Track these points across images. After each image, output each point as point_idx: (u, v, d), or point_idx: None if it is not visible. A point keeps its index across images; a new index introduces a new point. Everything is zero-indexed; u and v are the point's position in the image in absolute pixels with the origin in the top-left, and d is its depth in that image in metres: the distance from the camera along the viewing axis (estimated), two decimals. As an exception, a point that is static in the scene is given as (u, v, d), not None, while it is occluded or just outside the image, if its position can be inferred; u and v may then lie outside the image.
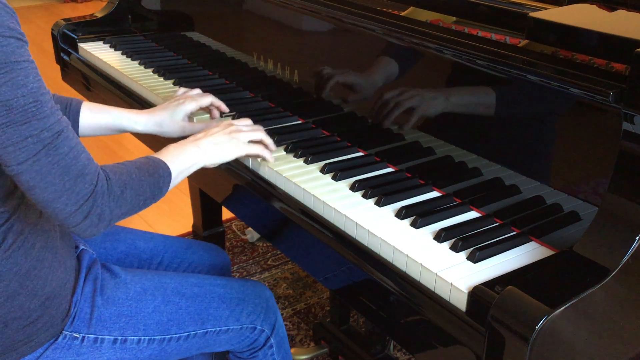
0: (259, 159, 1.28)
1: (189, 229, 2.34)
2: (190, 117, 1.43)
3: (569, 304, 0.81)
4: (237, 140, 1.23)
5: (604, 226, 0.89)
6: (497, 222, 1.08)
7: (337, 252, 1.08)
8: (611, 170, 0.90)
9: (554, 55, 1.04)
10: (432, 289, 0.95)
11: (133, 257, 1.40)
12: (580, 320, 0.84)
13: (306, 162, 1.28)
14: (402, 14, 1.30)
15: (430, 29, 1.20)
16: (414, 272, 0.98)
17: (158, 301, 1.19)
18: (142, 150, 2.92)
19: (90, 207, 0.98)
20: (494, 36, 1.15)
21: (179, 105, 1.37)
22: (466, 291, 0.90)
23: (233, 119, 1.49)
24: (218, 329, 1.24)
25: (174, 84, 1.70)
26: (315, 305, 2.19)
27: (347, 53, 1.36)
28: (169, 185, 1.12)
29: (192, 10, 1.86)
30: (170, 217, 2.76)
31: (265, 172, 1.28)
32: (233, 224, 2.66)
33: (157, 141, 1.45)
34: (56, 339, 1.10)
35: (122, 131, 1.38)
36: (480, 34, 1.16)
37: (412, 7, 1.30)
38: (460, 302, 0.90)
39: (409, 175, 1.24)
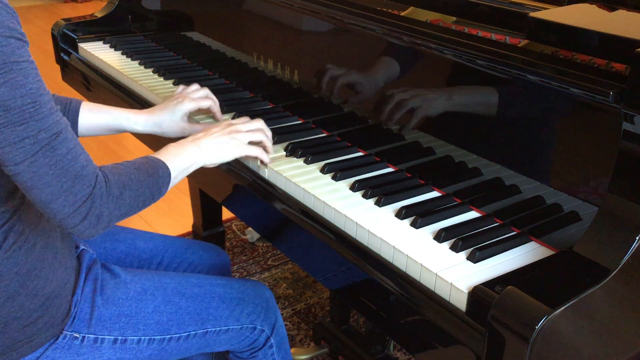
0: (258, 162, 1.28)
1: (189, 229, 2.34)
2: (190, 116, 1.42)
3: (569, 304, 0.81)
4: (237, 140, 1.23)
5: (604, 226, 0.89)
6: (497, 222, 1.08)
7: (337, 252, 1.08)
8: (611, 170, 0.90)
9: (554, 55, 1.04)
10: (432, 289, 0.95)
11: (133, 257, 1.40)
12: (580, 320, 0.84)
13: (306, 162, 1.28)
14: (402, 14, 1.30)
15: (430, 29, 1.20)
16: (414, 272, 0.98)
17: (158, 301, 1.19)
18: (142, 150, 2.92)
19: (89, 208, 0.98)
20: (494, 36, 1.15)
21: (178, 105, 1.37)
22: (466, 291, 0.90)
23: (233, 118, 1.49)
24: (218, 328, 1.24)
25: (174, 84, 1.70)
26: (315, 305, 2.19)
27: (347, 53, 1.36)
28: (168, 186, 1.12)
29: (192, 10, 1.86)
30: (170, 217, 2.76)
31: (265, 172, 1.28)
32: (233, 224, 2.66)
33: (156, 141, 1.45)
34: (56, 339, 1.10)
35: (122, 131, 1.38)
36: (480, 34, 1.16)
37: (412, 7, 1.31)
38: (460, 302, 0.90)
39: (409, 175, 1.24)
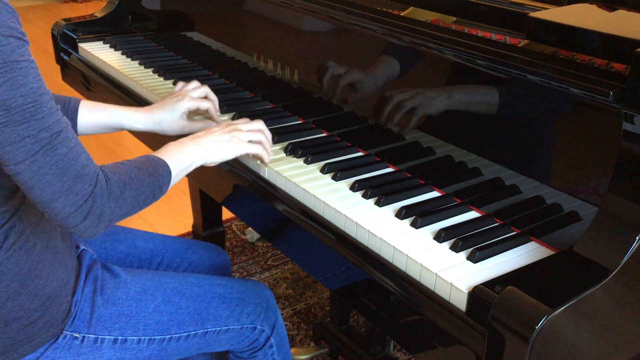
0: (258, 162, 1.28)
1: (189, 229, 2.34)
2: (190, 115, 1.42)
3: (569, 304, 0.81)
4: (237, 139, 1.23)
5: (604, 226, 0.89)
6: (497, 222, 1.08)
7: (337, 252, 1.08)
8: (611, 170, 0.90)
9: (554, 55, 1.04)
10: (432, 289, 0.95)
11: (133, 257, 1.40)
12: (580, 320, 0.84)
13: (306, 162, 1.28)
14: (402, 14, 1.30)
15: (430, 29, 1.20)
16: (414, 272, 0.98)
17: (158, 301, 1.19)
18: (141, 150, 2.92)
19: (90, 207, 0.98)
20: (494, 36, 1.15)
21: (178, 102, 1.36)
22: (466, 291, 0.90)
23: (233, 119, 1.49)
24: (218, 328, 1.24)
25: (174, 84, 1.70)
26: (315, 305, 2.19)
27: (347, 53, 1.36)
28: (169, 184, 1.12)
29: (192, 10, 1.86)
30: (170, 217, 2.76)
31: (265, 172, 1.28)
32: (233, 224, 2.66)
33: (156, 140, 1.45)
34: (56, 339, 1.10)
35: (121, 129, 1.38)
36: (480, 34, 1.16)
37: (412, 7, 1.30)
38: (460, 302, 0.90)
39: (409, 175, 1.24)
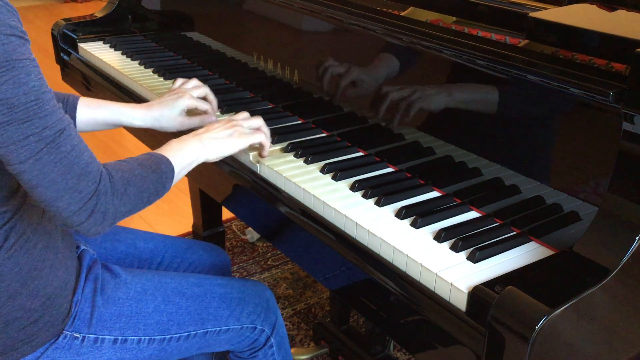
0: (255, 160, 1.28)
1: (189, 229, 2.34)
2: (189, 112, 1.42)
3: (569, 304, 0.81)
4: (238, 133, 1.23)
5: (604, 226, 0.89)
6: (497, 222, 1.08)
7: (337, 252, 1.08)
8: (611, 170, 0.90)
9: (554, 55, 1.04)
10: (432, 289, 0.95)
11: (133, 257, 1.40)
12: (580, 320, 0.84)
13: (306, 162, 1.28)
14: (402, 14, 1.30)
15: (430, 29, 1.20)
16: (414, 272, 0.98)
17: (158, 301, 1.19)
18: (142, 150, 2.91)
19: (94, 205, 0.98)
20: (494, 36, 1.15)
21: (177, 100, 1.37)
22: (466, 291, 0.90)
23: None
24: (218, 328, 1.24)
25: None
26: (315, 305, 2.19)
27: (347, 53, 1.36)
28: (172, 181, 1.12)
29: (192, 10, 1.86)
30: (170, 217, 2.76)
31: (265, 172, 1.28)
32: (233, 224, 2.66)
33: (156, 140, 1.45)
34: (57, 339, 1.10)
35: (120, 126, 1.38)
36: (480, 34, 1.16)
37: (412, 7, 1.30)
38: (460, 302, 0.90)
39: (409, 175, 1.24)
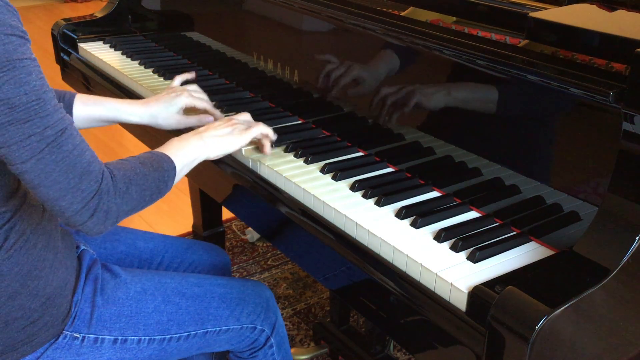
0: (256, 159, 1.28)
1: (189, 229, 2.34)
2: (186, 111, 1.42)
3: (569, 304, 0.81)
4: (238, 130, 1.24)
5: (604, 226, 0.89)
6: (497, 222, 1.08)
7: (337, 252, 1.08)
8: (611, 170, 0.90)
9: (554, 55, 1.04)
10: (432, 289, 0.95)
11: (133, 257, 1.40)
12: (580, 320, 0.84)
13: (306, 162, 1.28)
14: (402, 14, 1.30)
15: (430, 29, 1.20)
16: (414, 272, 0.98)
17: (158, 301, 1.19)
18: (142, 149, 2.91)
19: (97, 204, 0.98)
20: (494, 36, 1.15)
21: (175, 98, 1.37)
22: (466, 291, 0.90)
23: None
24: (218, 328, 1.24)
25: (174, 84, 1.70)
26: (315, 305, 2.19)
27: (347, 53, 1.36)
28: (174, 179, 1.12)
29: (192, 10, 1.86)
30: (170, 217, 2.76)
31: (265, 172, 1.28)
32: (233, 224, 2.66)
33: (156, 140, 1.45)
34: (56, 339, 1.10)
35: (116, 122, 1.39)
36: (480, 34, 1.16)
37: (412, 7, 1.30)
38: (460, 302, 0.90)
39: (409, 175, 1.24)
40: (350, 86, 1.35)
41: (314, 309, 2.17)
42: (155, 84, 1.69)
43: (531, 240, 1.02)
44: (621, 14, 1.10)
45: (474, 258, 0.97)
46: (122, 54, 1.91)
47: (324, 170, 1.25)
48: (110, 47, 1.97)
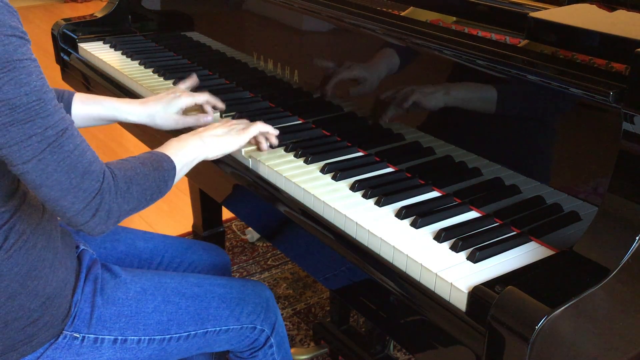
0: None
1: (189, 229, 2.34)
2: (185, 112, 1.42)
3: (569, 304, 0.81)
4: (236, 131, 1.24)
5: (604, 226, 0.89)
6: (497, 222, 1.08)
7: (337, 252, 1.08)
8: (611, 170, 0.90)
9: (554, 55, 1.04)
10: (432, 289, 0.95)
11: (133, 257, 1.40)
12: (580, 320, 0.84)
13: (306, 162, 1.28)
14: (402, 14, 1.30)
15: (430, 29, 1.20)
16: (414, 272, 0.98)
17: (158, 301, 1.19)
18: (142, 150, 2.91)
19: (99, 203, 0.98)
20: (494, 36, 1.15)
21: (175, 99, 1.37)
22: (466, 291, 0.90)
23: (233, 118, 1.49)
24: (218, 328, 1.24)
25: (174, 84, 1.70)
26: (315, 305, 2.19)
27: (347, 53, 1.36)
28: (174, 179, 1.12)
29: (192, 10, 1.86)
30: (170, 217, 2.75)
31: (265, 172, 1.28)
32: (233, 224, 2.66)
33: (156, 139, 1.45)
34: (56, 339, 1.10)
35: (115, 121, 1.39)
36: (480, 34, 1.16)
37: (412, 7, 1.31)
38: (460, 302, 0.90)
39: (409, 175, 1.24)
40: (351, 86, 1.35)
41: (314, 309, 2.17)
42: (155, 84, 1.69)
43: (531, 240, 1.02)
44: (621, 14, 1.10)
45: (474, 258, 0.97)
46: (122, 54, 1.91)
47: (324, 170, 1.25)
48: (110, 47, 1.97)
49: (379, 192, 1.16)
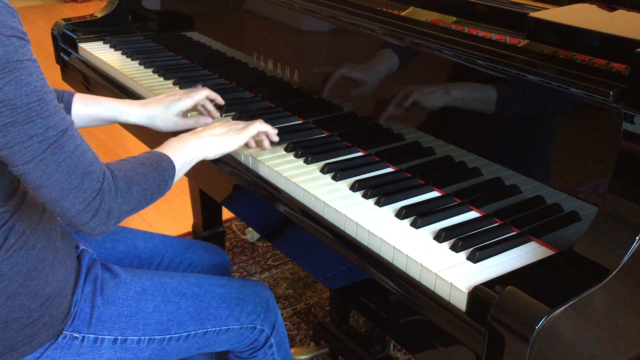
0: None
1: (189, 229, 2.34)
2: (185, 114, 1.42)
3: (569, 304, 0.81)
4: (235, 131, 1.24)
5: (604, 226, 0.89)
6: (497, 222, 1.08)
7: (337, 252, 1.08)
8: (611, 170, 0.90)
9: (554, 55, 1.04)
10: (432, 289, 0.95)
11: (133, 257, 1.40)
12: (580, 320, 0.84)
13: (306, 162, 1.28)
14: (402, 14, 1.30)
15: (430, 29, 1.20)
16: (414, 272, 0.98)
17: (158, 301, 1.19)
18: (141, 149, 2.91)
19: (99, 204, 0.98)
20: (494, 36, 1.15)
21: (175, 101, 1.37)
22: (466, 291, 0.90)
23: (233, 119, 1.50)
24: (218, 328, 1.24)
25: (174, 84, 1.70)
26: (315, 305, 2.19)
27: (347, 53, 1.36)
28: (173, 178, 1.12)
29: (192, 10, 1.86)
30: (170, 217, 2.75)
31: (265, 171, 1.28)
32: (233, 224, 2.66)
33: (155, 138, 1.45)
34: (56, 339, 1.10)
35: (115, 122, 1.39)
36: (480, 34, 1.16)
37: (412, 7, 1.31)
38: (460, 302, 0.90)
39: (409, 175, 1.24)
40: (351, 86, 1.35)
41: (314, 309, 2.17)
42: (155, 84, 1.69)
43: (531, 240, 1.02)
44: (621, 14, 1.10)
45: (474, 258, 0.97)
46: (122, 54, 1.91)
47: (324, 170, 1.25)
48: (110, 47, 1.97)
49: (379, 192, 1.16)
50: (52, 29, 2.03)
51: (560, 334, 0.82)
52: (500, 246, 1.00)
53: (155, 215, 2.75)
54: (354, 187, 1.18)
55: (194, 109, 1.45)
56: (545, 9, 1.11)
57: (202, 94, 1.42)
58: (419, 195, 1.17)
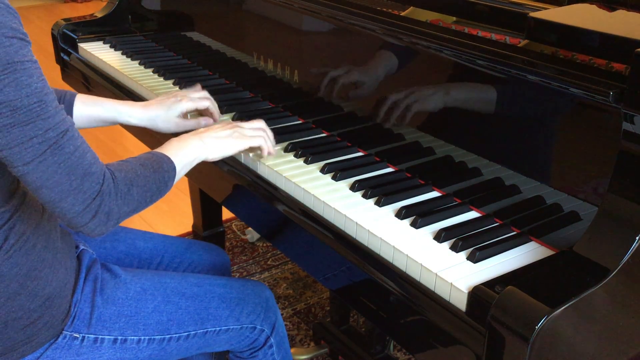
0: (258, 157, 1.28)
1: (189, 229, 2.34)
2: (185, 115, 1.42)
3: (569, 304, 0.81)
4: (238, 134, 1.24)
5: (604, 226, 0.89)
6: (497, 222, 1.08)
7: (337, 252, 1.08)
8: (611, 170, 0.90)
9: (554, 55, 1.04)
10: (432, 289, 0.95)
11: (133, 257, 1.40)
12: (580, 320, 0.84)
13: (306, 162, 1.28)
14: (402, 14, 1.30)
15: (430, 29, 1.20)
16: (414, 272, 0.98)
17: (158, 301, 1.19)
18: (141, 150, 2.91)
19: (98, 205, 0.98)
20: (494, 36, 1.15)
21: (176, 103, 1.37)
22: (466, 291, 0.90)
23: (233, 119, 1.50)
24: (218, 328, 1.24)
25: (174, 84, 1.70)
26: (315, 305, 2.19)
27: (347, 53, 1.36)
28: (174, 180, 1.12)
29: (192, 10, 1.86)
30: (170, 217, 2.76)
31: (265, 171, 1.28)
32: (233, 224, 2.66)
33: (156, 139, 1.45)
34: (56, 339, 1.10)
35: (116, 123, 1.39)
36: (480, 34, 1.16)
37: (412, 7, 1.31)
38: (460, 302, 0.90)
39: (409, 175, 1.24)
40: (350, 86, 1.35)
41: (314, 309, 2.17)
42: (155, 84, 1.69)
43: (531, 240, 1.02)
44: (621, 14, 1.10)
45: (474, 258, 0.97)
46: (122, 54, 1.91)
47: (324, 170, 1.25)
48: (110, 47, 1.98)
49: (379, 192, 1.16)
50: (52, 29, 2.03)
51: (560, 334, 0.82)
52: (501, 246, 1.00)
53: (155, 215, 2.75)
54: (354, 187, 1.18)
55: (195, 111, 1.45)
56: (545, 9, 1.11)
57: (204, 104, 1.40)
58: (419, 195, 1.17)
